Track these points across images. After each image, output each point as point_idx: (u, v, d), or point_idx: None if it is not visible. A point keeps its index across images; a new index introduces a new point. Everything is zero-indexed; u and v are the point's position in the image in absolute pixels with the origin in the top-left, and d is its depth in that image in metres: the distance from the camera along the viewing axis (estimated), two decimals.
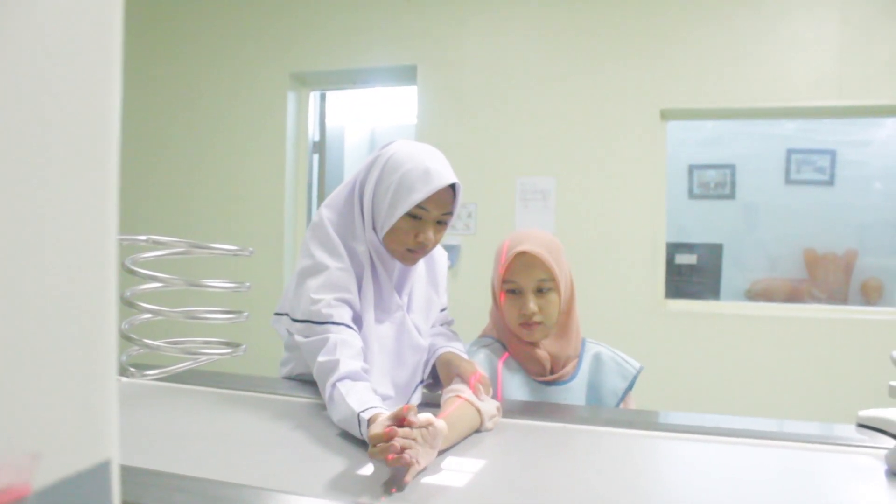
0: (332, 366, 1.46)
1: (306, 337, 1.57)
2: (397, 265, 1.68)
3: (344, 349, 1.49)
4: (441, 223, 1.61)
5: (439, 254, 1.84)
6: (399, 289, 1.71)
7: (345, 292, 1.59)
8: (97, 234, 0.35)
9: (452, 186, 1.59)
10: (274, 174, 4.71)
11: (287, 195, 4.71)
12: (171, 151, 4.95)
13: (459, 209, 1.61)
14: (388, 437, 1.07)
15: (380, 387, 1.56)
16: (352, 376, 1.45)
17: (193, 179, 4.89)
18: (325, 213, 1.67)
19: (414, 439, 1.10)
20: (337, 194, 1.71)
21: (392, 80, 4.74)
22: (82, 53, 0.35)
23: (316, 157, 4.96)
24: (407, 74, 4.58)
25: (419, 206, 1.54)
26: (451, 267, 4.35)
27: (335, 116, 5.13)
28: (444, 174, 1.55)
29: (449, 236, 4.37)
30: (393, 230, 1.57)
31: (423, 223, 1.57)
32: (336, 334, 1.52)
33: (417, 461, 1.10)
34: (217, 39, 4.87)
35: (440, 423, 1.16)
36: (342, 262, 1.60)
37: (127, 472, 1.11)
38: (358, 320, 1.61)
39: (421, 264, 1.77)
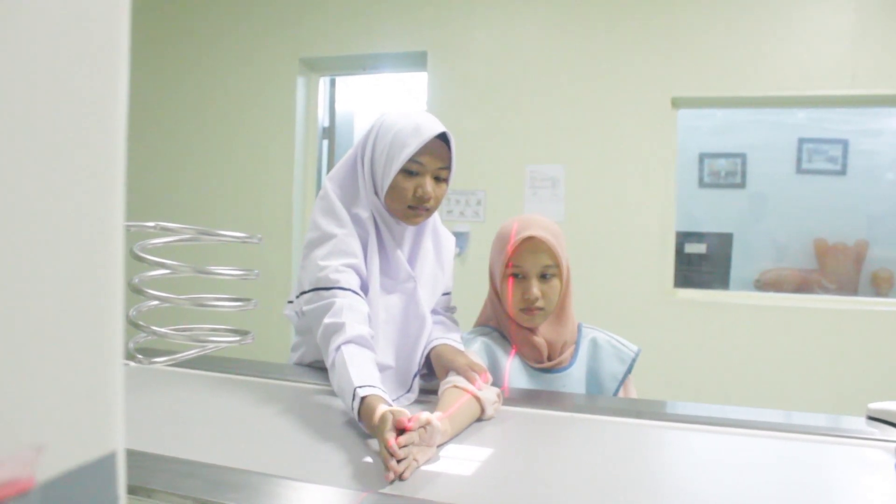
0: (338, 328, 1.48)
1: (313, 304, 1.58)
2: (406, 234, 1.72)
3: (350, 313, 1.51)
4: (440, 179, 1.65)
5: (447, 237, 1.86)
6: (411, 261, 1.73)
7: (351, 257, 1.61)
8: (104, 221, 0.34)
9: (448, 144, 1.64)
10: (283, 160, 4.70)
11: (296, 181, 4.70)
12: (179, 138, 4.94)
13: (456, 164, 1.68)
14: (391, 450, 1.09)
15: (382, 355, 1.58)
16: (357, 341, 1.47)
17: (202, 166, 4.89)
18: (328, 185, 1.72)
19: (413, 443, 1.13)
20: (339, 167, 1.75)
21: (402, 66, 4.72)
22: (89, 40, 0.35)
23: (325, 142, 4.95)
24: (417, 60, 4.56)
25: (414, 160, 1.59)
26: (459, 254, 4.35)
27: (345, 102, 5.12)
28: (434, 127, 1.61)
29: (458, 223, 4.37)
30: (392, 188, 1.62)
31: (420, 178, 1.62)
32: (342, 299, 1.54)
33: (416, 459, 1.12)
34: (226, 25, 4.85)
35: (436, 422, 1.17)
36: (347, 229, 1.64)
37: (134, 456, 1.12)
38: (365, 287, 1.63)
39: (429, 243, 1.78)
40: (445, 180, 1.67)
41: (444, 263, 1.83)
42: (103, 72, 0.35)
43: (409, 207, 1.63)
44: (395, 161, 1.59)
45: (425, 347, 1.67)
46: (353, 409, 1.33)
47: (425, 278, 1.75)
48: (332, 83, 4.99)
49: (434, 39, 4.46)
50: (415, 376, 1.65)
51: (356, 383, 1.36)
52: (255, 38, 4.79)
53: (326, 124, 4.96)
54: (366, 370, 1.41)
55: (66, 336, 0.33)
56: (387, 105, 6.10)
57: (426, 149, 1.60)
